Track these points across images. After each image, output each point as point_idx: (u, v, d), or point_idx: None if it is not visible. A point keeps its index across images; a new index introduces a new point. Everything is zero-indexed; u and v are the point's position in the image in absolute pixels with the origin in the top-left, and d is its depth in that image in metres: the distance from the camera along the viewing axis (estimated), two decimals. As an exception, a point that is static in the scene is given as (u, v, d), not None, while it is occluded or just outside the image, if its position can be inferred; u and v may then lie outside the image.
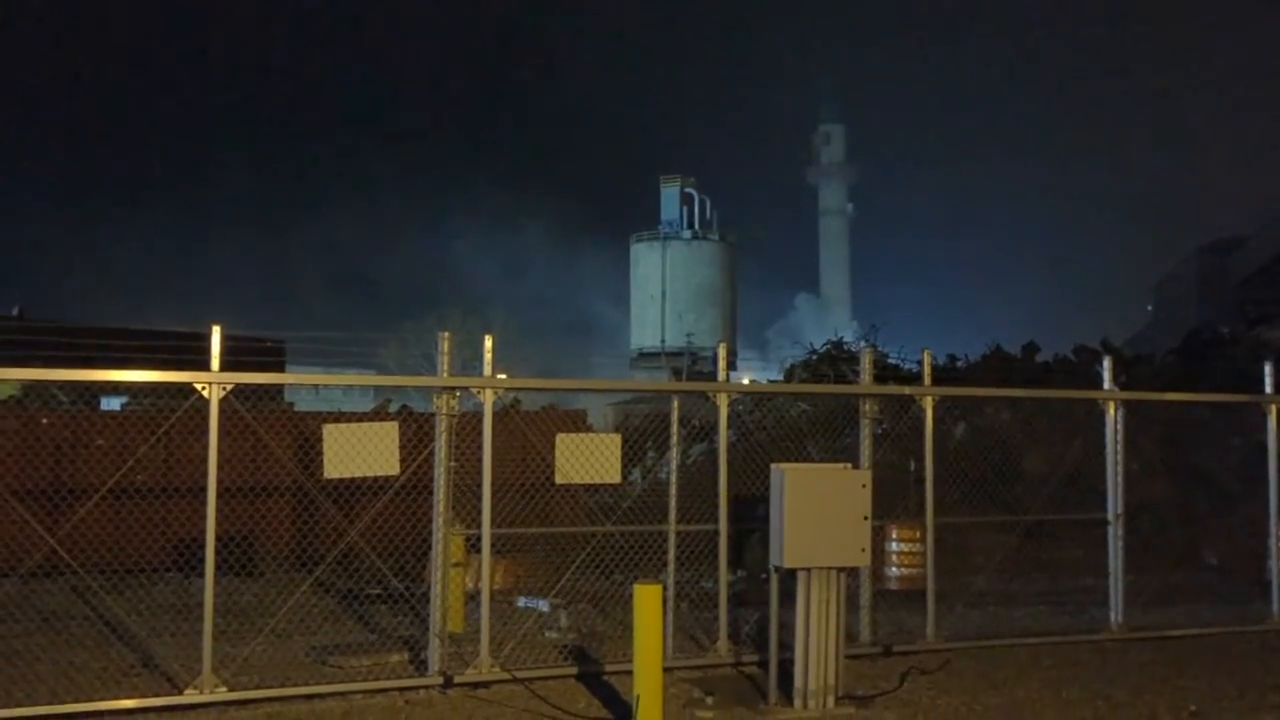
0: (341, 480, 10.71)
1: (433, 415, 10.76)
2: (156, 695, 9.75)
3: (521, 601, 14.12)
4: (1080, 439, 13.82)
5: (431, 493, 10.67)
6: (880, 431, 13.01)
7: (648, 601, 8.95)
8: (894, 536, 15.57)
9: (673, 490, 11.81)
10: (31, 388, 18.97)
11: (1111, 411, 13.25)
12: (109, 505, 11.77)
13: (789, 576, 9.90)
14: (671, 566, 11.69)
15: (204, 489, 9.78)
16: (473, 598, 11.91)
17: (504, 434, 11.51)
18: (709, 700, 10.03)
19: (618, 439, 11.69)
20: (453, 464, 10.67)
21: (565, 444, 11.33)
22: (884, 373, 21.71)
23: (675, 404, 12.02)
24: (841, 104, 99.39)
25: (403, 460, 10.66)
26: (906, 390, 13.18)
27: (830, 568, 9.87)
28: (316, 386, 27.87)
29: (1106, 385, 13.46)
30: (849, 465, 10.65)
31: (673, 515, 11.73)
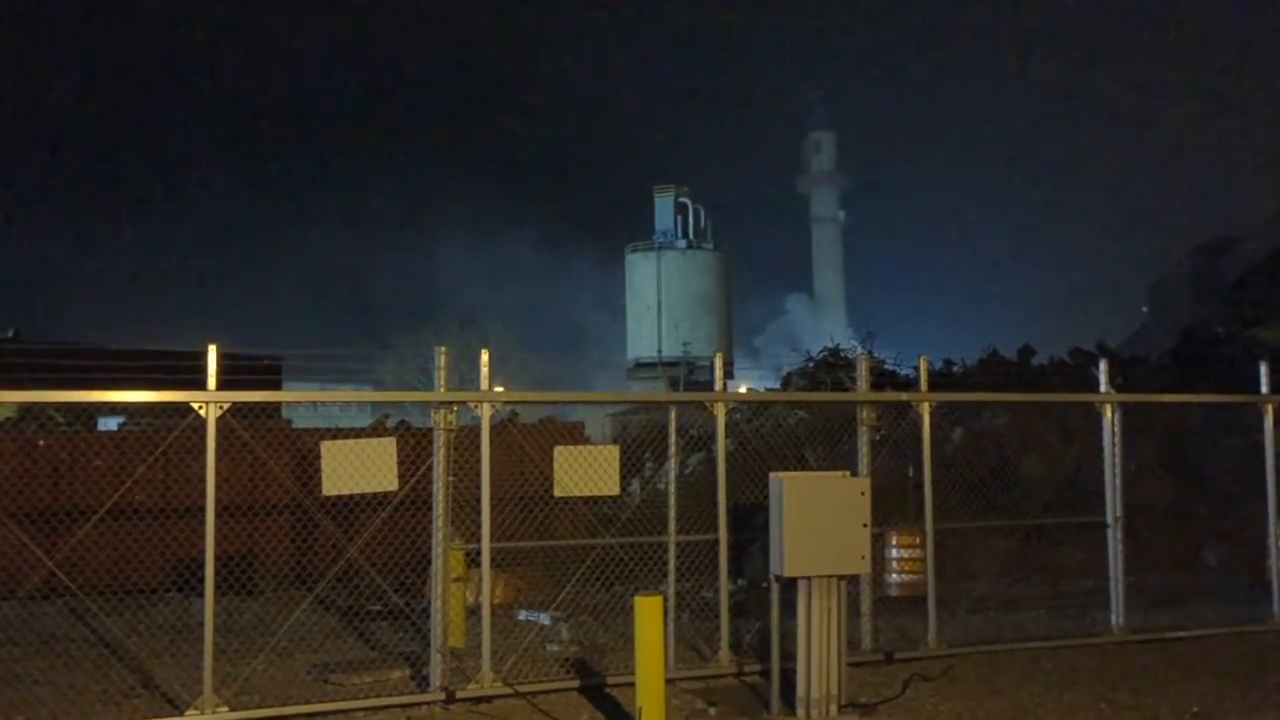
0: (340, 497, 10.70)
1: (431, 430, 10.76)
2: (158, 716, 9.73)
3: (522, 615, 14.09)
4: (1078, 442, 13.83)
5: (430, 508, 10.67)
6: (878, 438, 13.01)
7: (649, 613, 8.95)
8: (894, 543, 15.56)
9: (672, 501, 11.81)
10: (28, 409, 18.94)
11: (1108, 414, 13.26)
12: (108, 526, 11.76)
13: (790, 585, 9.89)
14: (672, 577, 11.68)
15: (203, 508, 9.78)
16: (473, 612, 11.90)
17: (502, 447, 11.51)
18: (712, 711, 10.02)
19: (616, 450, 11.69)
20: (451, 478, 10.67)
21: (563, 456, 11.33)
22: (881, 379, 21.72)
23: (673, 414, 12.03)
24: (831, 110, 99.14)
25: (401, 476, 10.65)
26: (904, 396, 13.19)
27: (831, 576, 9.86)
28: (314, 403, 27.86)
29: (1103, 387, 13.47)
30: (848, 473, 10.65)
31: (672, 526, 11.73)
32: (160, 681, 10.90)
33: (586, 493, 11.39)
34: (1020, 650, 12.46)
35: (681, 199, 74.91)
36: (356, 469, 10.48)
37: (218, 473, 9.85)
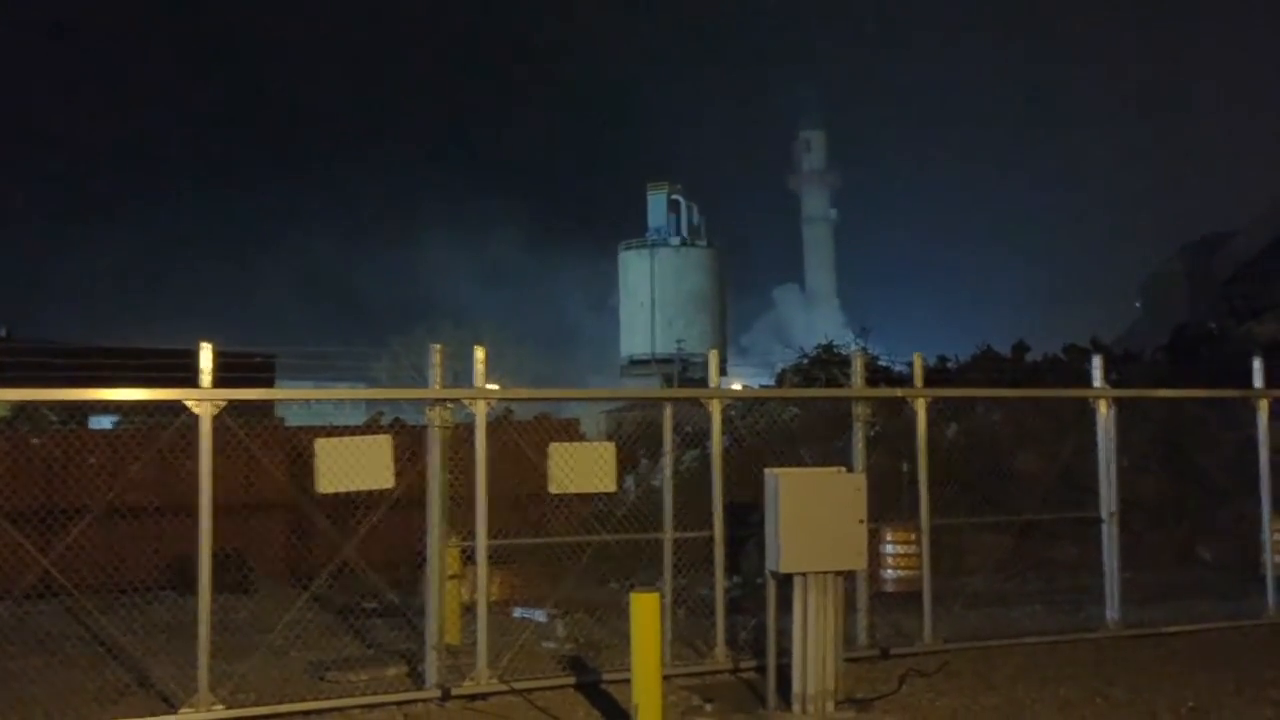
0: (335, 495, 10.68)
1: (425, 428, 10.74)
2: (153, 714, 9.72)
3: (518, 612, 14.08)
4: (1072, 438, 13.85)
5: (426, 505, 10.65)
6: (873, 434, 13.02)
7: (645, 609, 8.94)
8: (889, 539, 15.56)
9: (667, 497, 11.81)
10: (21, 408, 18.90)
11: (1103, 409, 13.28)
12: (102, 525, 11.71)
13: (786, 581, 9.89)
14: (668, 574, 11.68)
15: (197, 506, 9.75)
16: (469, 609, 11.88)
17: (497, 444, 11.48)
18: (708, 707, 10.02)
19: (611, 447, 11.68)
20: (447, 476, 10.65)
21: (559, 453, 11.32)
22: (875, 375, 21.72)
23: (668, 411, 12.02)
24: (822, 108, 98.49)
25: (396, 473, 10.63)
26: (899, 393, 13.20)
27: (826, 572, 9.87)
28: (308, 401, 27.82)
29: (1097, 383, 13.49)
30: (843, 469, 10.66)
31: (668, 522, 11.72)
32: (155, 680, 10.87)
33: (582, 489, 11.38)
34: (1016, 645, 12.47)
35: (675, 196, 74.95)
36: (352, 466, 10.47)
37: (213, 471, 9.82)
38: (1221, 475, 16.61)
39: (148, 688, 10.81)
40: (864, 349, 21.24)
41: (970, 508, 13.82)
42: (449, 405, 10.76)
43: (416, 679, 10.85)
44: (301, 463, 14.04)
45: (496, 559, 11.91)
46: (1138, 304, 61.30)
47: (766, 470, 10.13)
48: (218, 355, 9.99)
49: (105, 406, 19.71)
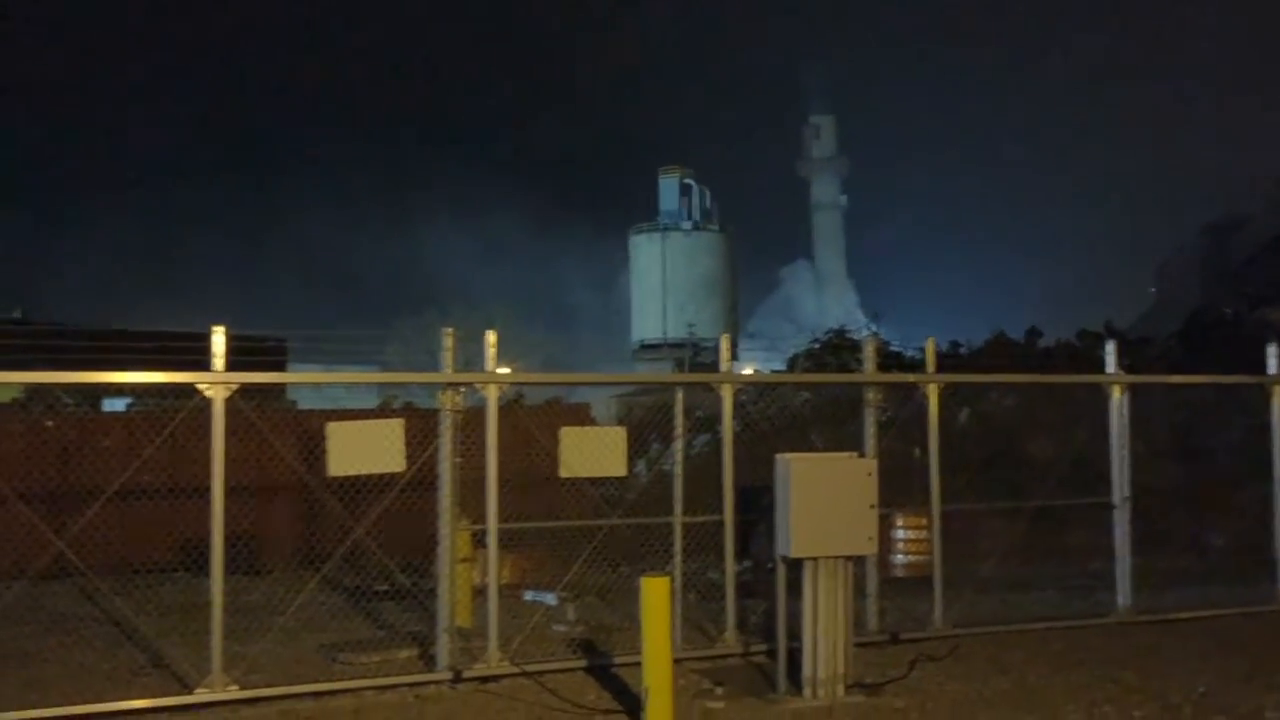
0: (346, 478, 10.71)
1: (437, 411, 10.77)
2: (167, 695, 9.78)
3: (529, 595, 14.13)
4: (1085, 423, 13.81)
5: (437, 489, 10.68)
6: (884, 419, 13.00)
7: (655, 593, 8.96)
8: (900, 524, 15.56)
9: (678, 482, 11.82)
10: (35, 390, 19.02)
11: (1116, 395, 13.24)
12: (115, 506, 11.76)
13: (796, 566, 9.90)
14: (678, 558, 11.70)
15: (210, 489, 9.79)
16: (480, 593, 11.93)
17: (508, 429, 11.51)
18: (718, 690, 10.05)
19: (622, 431, 11.70)
20: (458, 459, 10.68)
21: (569, 437, 11.33)
22: (886, 360, 21.69)
23: (679, 395, 12.02)
24: (832, 92, 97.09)
25: (408, 457, 10.66)
26: (911, 378, 13.17)
27: (837, 557, 9.88)
28: (319, 385, 27.90)
29: (1110, 369, 13.45)
30: (854, 454, 10.65)
31: (678, 507, 11.74)
32: (169, 660, 10.95)
33: (593, 474, 11.40)
34: (1027, 631, 12.47)
35: (686, 180, 74.76)
36: (363, 450, 10.49)
37: (225, 454, 9.86)
38: (1234, 462, 16.55)
39: (162, 668, 10.89)
40: (876, 334, 21.22)
41: (982, 493, 13.80)
42: (460, 389, 10.77)
43: (428, 661, 10.90)
44: (313, 446, 14.09)
45: (507, 542, 11.96)
46: (1152, 289, 61.09)
47: (778, 455, 10.12)
48: (230, 339, 10.02)
49: (119, 389, 19.82)
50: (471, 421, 11.01)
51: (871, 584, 12.13)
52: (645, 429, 14.72)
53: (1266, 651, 11.57)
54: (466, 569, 12.19)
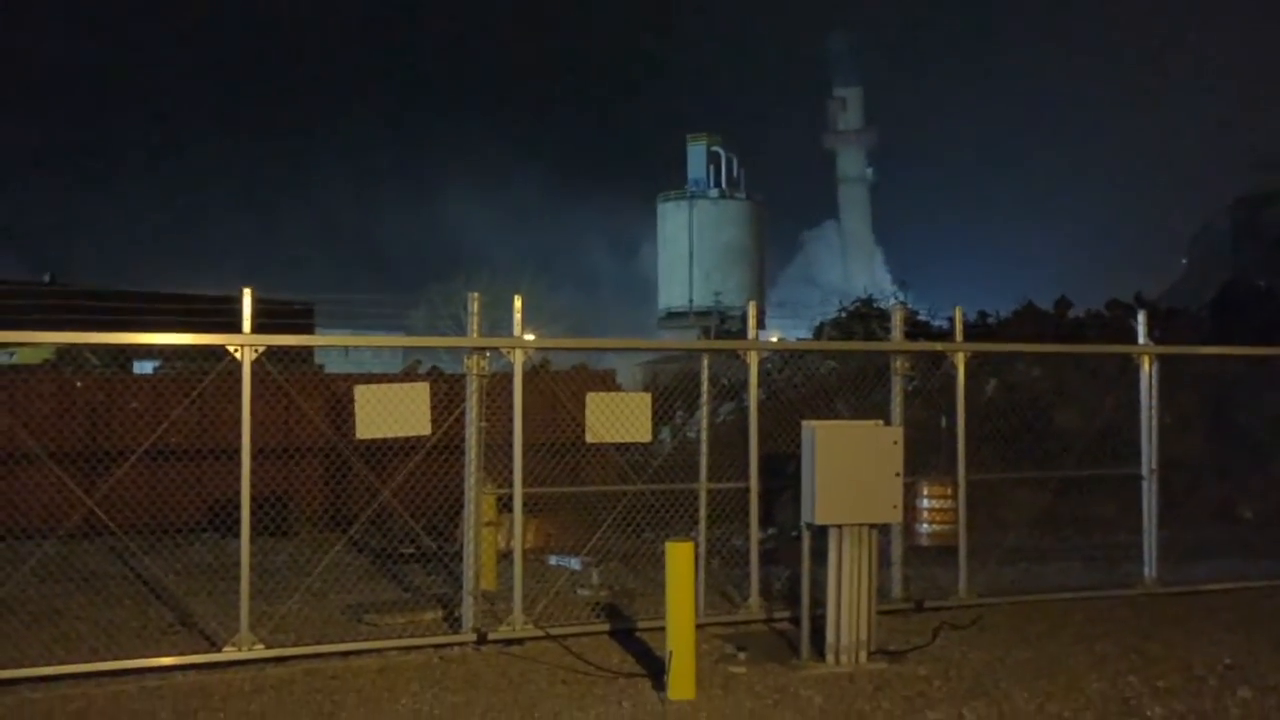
0: (373, 441, 10.77)
1: (463, 376, 10.79)
2: (195, 653, 9.89)
3: (553, 560, 14.20)
4: (1114, 394, 13.71)
5: (463, 453, 10.72)
6: (910, 388, 12.95)
7: (680, 558, 8.98)
8: (925, 493, 15.51)
9: (703, 448, 11.82)
10: (65, 352, 19.19)
11: (1146, 366, 13.12)
12: (145, 467, 11.89)
13: (820, 533, 9.90)
14: (702, 524, 11.72)
15: (238, 450, 9.86)
16: (505, 556, 11.99)
17: (534, 394, 11.53)
18: (741, 656, 10.08)
19: (648, 398, 11.69)
20: (484, 424, 10.71)
21: (595, 403, 11.34)
22: (914, 329, 21.59)
23: (705, 362, 12.00)
24: (859, 62, 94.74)
25: (434, 421, 10.70)
26: (939, 346, 13.11)
27: (862, 524, 9.86)
28: (346, 348, 28.05)
29: (1141, 340, 13.32)
30: (880, 422, 10.61)
31: (703, 473, 11.74)
32: (197, 619, 11.08)
33: (618, 439, 11.41)
34: (1051, 601, 12.44)
35: (714, 148, 74.41)
36: (390, 413, 10.54)
37: (253, 416, 9.92)
38: (1265, 434, 16.41)
39: (190, 626, 11.02)
40: (903, 303, 21.11)
41: (1008, 463, 13.74)
42: (486, 354, 10.79)
43: (453, 623, 10.98)
44: (340, 409, 14.18)
45: (532, 507, 12.02)
46: (1184, 260, 60.43)
47: (804, 422, 10.10)
48: (258, 302, 10.06)
49: (148, 351, 19.97)
50: (497, 386, 11.04)
51: (896, 552, 12.12)
52: (671, 396, 14.73)
53: (1294, 625, 11.49)
54: (491, 533, 12.25)
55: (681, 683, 8.81)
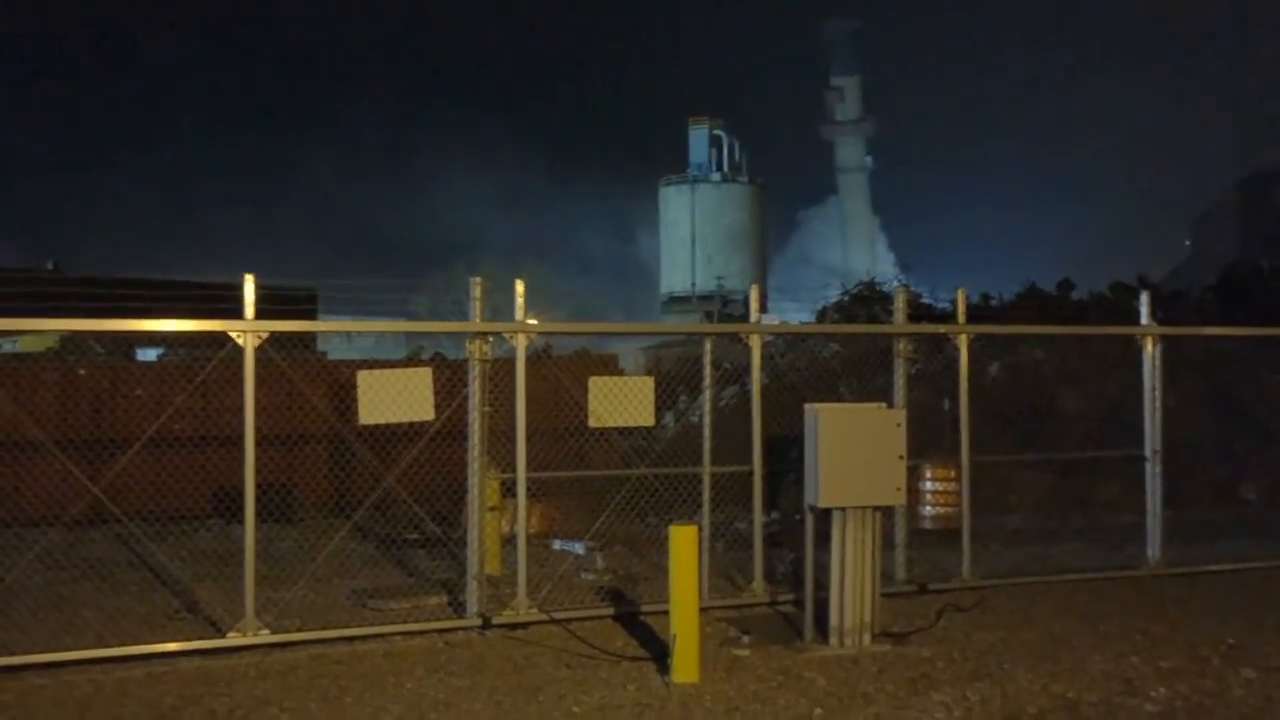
0: (377, 427, 10.77)
1: (466, 361, 10.79)
2: (201, 638, 9.92)
3: (557, 544, 14.23)
4: (1117, 376, 13.69)
5: (466, 438, 10.73)
6: (914, 371, 12.94)
7: (683, 542, 8.99)
8: (929, 476, 15.54)
9: (706, 432, 11.82)
10: (69, 340, 19.20)
11: (1149, 347, 13.10)
12: (149, 454, 11.91)
13: (824, 516, 9.90)
14: (706, 508, 11.73)
15: (241, 437, 9.87)
16: (509, 541, 12.02)
17: (536, 379, 11.53)
18: (745, 639, 10.10)
19: (650, 382, 11.69)
20: (487, 409, 10.71)
21: (598, 387, 11.34)
22: (917, 312, 21.57)
23: (708, 346, 12.00)
24: (857, 53, 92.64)
25: (437, 406, 10.70)
26: (942, 329, 13.08)
27: (865, 507, 9.86)
28: (349, 334, 28.05)
29: (1144, 321, 13.30)
30: (883, 405, 10.60)
31: (706, 457, 11.74)
32: (202, 605, 11.11)
33: (621, 423, 11.41)
34: (1055, 582, 12.45)
35: (716, 131, 74.26)
36: (393, 399, 10.54)
37: (256, 402, 9.92)
38: (1268, 415, 16.40)
39: (195, 612, 11.05)
40: (906, 285, 21.05)
41: (1012, 445, 13.74)
42: (489, 339, 10.78)
43: (457, 608, 11.01)
44: (343, 396, 14.19)
45: (536, 491, 12.03)
46: (1187, 242, 60.31)
47: (807, 405, 10.09)
48: (260, 289, 10.05)
49: (151, 338, 19.99)
50: (500, 371, 11.04)
51: (900, 535, 12.12)
52: (673, 380, 14.73)
53: (1298, 605, 11.50)
54: (495, 517, 12.26)
55: (685, 666, 8.83)
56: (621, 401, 11.32)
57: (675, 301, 71.01)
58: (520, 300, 10.94)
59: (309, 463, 16.26)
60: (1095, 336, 16.67)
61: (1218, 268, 32.40)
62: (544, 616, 10.64)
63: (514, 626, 10.53)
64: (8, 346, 23.79)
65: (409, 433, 11.27)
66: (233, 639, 9.79)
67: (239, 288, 9.98)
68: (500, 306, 11.35)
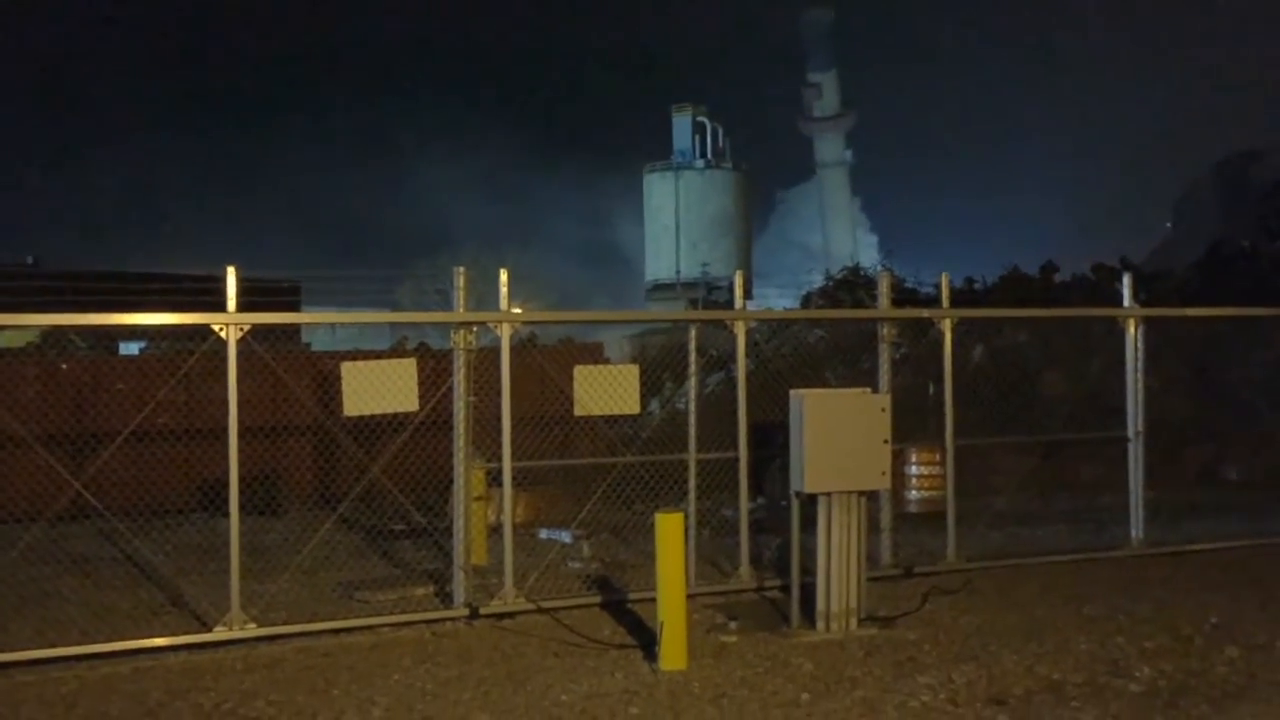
0: (361, 418, 10.75)
1: (450, 351, 10.76)
2: (187, 633, 9.89)
3: (544, 533, 14.22)
4: (1099, 357, 13.76)
5: (451, 428, 10.71)
6: (899, 355, 12.98)
7: (669, 529, 9.00)
8: (914, 459, 15.60)
9: (692, 419, 11.82)
10: (50, 334, 19.09)
11: (1131, 329, 13.15)
12: (132, 448, 11.85)
13: (810, 502, 9.92)
14: (692, 495, 11.74)
15: (225, 430, 9.83)
16: (495, 531, 12.01)
17: (521, 368, 11.51)
18: (733, 625, 10.12)
19: (635, 370, 11.68)
20: (472, 399, 10.69)
21: (584, 376, 11.33)
22: (901, 297, 21.63)
23: (693, 333, 11.99)
24: (834, 46, 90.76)
25: (422, 396, 10.68)
26: (926, 313, 13.12)
27: (851, 492, 9.89)
28: (333, 326, 27.93)
29: (1126, 302, 13.35)
30: (868, 390, 10.62)
31: (692, 444, 11.75)
32: (189, 599, 11.08)
33: (606, 412, 11.41)
34: (1039, 564, 12.51)
35: (700, 118, 74.22)
36: (377, 390, 10.51)
37: (240, 395, 9.89)
38: (1250, 394, 16.50)
39: (181, 607, 11.02)
40: (890, 270, 21.10)
41: (996, 428, 13.80)
42: (474, 328, 10.76)
43: (444, 599, 11.00)
44: (327, 387, 14.15)
45: (522, 481, 12.02)
46: (1169, 223, 60.57)
47: (792, 391, 10.10)
48: (244, 281, 10.00)
49: (132, 332, 19.88)
50: (485, 361, 11.02)
51: (885, 519, 12.16)
52: (659, 368, 14.73)
53: (1279, 583, 11.58)
54: (481, 507, 12.26)
55: (673, 653, 8.85)
56: (607, 390, 11.32)
57: (660, 288, 71.03)
58: (504, 290, 10.92)
59: (294, 455, 16.21)
60: (1078, 319, 16.74)
61: (1199, 247, 32.54)
62: (531, 606, 10.64)
63: (501, 616, 10.53)
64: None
65: (394, 423, 11.26)
66: (219, 633, 9.77)
67: (221, 280, 9.93)
68: (485, 296, 11.33)
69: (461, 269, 10.93)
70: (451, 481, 10.82)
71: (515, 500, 11.12)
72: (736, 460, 11.69)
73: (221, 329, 9.82)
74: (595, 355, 19.76)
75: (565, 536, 13.61)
